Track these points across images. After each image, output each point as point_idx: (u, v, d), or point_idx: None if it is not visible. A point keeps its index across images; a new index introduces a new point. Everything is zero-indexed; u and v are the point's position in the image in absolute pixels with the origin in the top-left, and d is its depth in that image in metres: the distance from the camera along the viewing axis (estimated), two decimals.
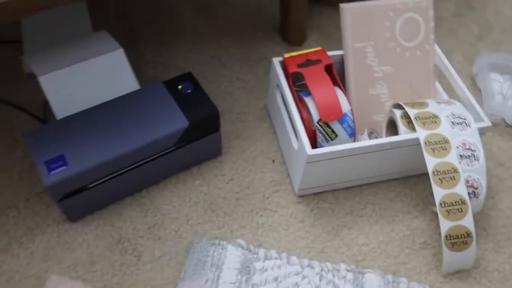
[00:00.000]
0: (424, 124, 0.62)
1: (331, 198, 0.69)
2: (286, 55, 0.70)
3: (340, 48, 0.73)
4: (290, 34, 0.89)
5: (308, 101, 0.66)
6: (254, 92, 0.82)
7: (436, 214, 0.68)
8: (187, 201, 0.68)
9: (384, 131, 0.71)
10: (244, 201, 0.68)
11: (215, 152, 0.72)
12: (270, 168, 0.72)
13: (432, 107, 0.64)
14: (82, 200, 0.61)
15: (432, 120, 0.62)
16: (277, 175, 0.71)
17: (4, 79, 0.79)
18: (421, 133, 0.61)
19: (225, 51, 0.87)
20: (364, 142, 0.62)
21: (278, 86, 0.71)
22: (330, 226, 0.66)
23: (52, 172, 0.56)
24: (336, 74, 0.69)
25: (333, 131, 0.65)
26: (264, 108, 0.80)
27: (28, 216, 0.65)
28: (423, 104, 0.65)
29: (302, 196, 0.69)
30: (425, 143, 0.60)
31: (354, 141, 0.67)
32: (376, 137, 0.70)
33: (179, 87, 0.66)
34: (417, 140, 0.61)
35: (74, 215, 0.64)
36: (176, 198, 0.68)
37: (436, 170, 0.59)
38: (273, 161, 0.73)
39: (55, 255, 0.61)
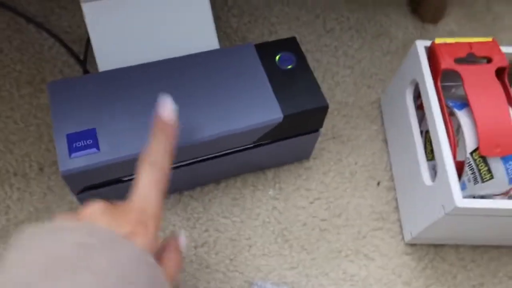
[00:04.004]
0: None
1: (454, 257, 0.48)
2: (438, 40, 0.47)
3: (491, 35, 0.49)
4: (424, 6, 0.65)
5: (462, 117, 0.44)
6: (365, 78, 0.59)
7: None
8: (253, 217, 0.48)
9: None
10: (332, 235, 0.48)
11: (302, 155, 0.51)
12: (373, 193, 0.51)
13: None
14: (111, 194, 0.43)
15: None
16: (380, 205, 0.51)
17: None
18: None
19: (334, 13, 0.64)
20: None
21: (414, 83, 0.49)
22: None
23: (74, 155, 0.38)
24: (509, 84, 0.46)
25: (489, 171, 0.43)
26: (377, 103, 0.58)
27: (38, 193, 0.47)
28: None
29: (412, 245, 0.49)
30: None
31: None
32: None
33: (277, 58, 0.45)
34: None
35: None
36: (238, 210, 0.48)
37: None
38: (378, 183, 0.52)
39: None
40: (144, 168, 0.30)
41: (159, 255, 0.30)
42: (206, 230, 0.47)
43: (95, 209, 0.27)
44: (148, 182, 0.29)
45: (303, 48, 0.60)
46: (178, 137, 0.39)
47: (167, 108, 0.34)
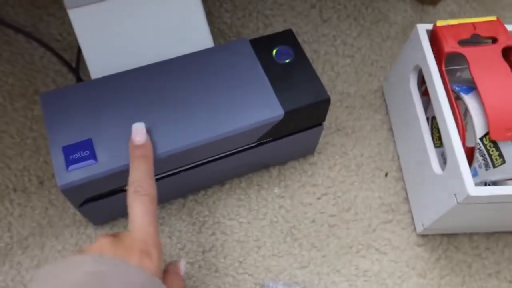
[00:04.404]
0: None
1: (467, 246, 0.47)
2: (440, 23, 0.46)
3: (492, 14, 0.48)
4: None
5: (470, 101, 0.42)
6: (366, 66, 0.58)
7: None
8: (260, 217, 0.47)
9: None
10: (341, 230, 0.47)
11: (306, 150, 0.50)
12: (381, 185, 0.50)
13: None
14: (113, 204, 0.42)
15: None
16: (389, 196, 0.49)
17: (34, 4, 0.58)
18: None
19: (331, 1, 0.62)
20: None
21: (418, 68, 0.47)
22: None
23: (72, 167, 0.36)
24: None
25: (500, 155, 0.41)
26: (380, 92, 0.56)
27: (39, 207, 0.46)
28: None
29: (424, 236, 0.47)
30: None
31: None
32: None
33: (274, 52, 0.44)
34: None
35: (101, 219, 0.45)
36: (245, 211, 0.47)
37: None
38: (386, 174, 0.51)
39: None
40: (132, 199, 0.32)
41: (162, 280, 0.31)
42: (213, 234, 0.46)
43: (103, 243, 0.29)
44: (141, 212, 0.32)
45: (300, 40, 0.59)
46: (176, 142, 0.38)
47: (138, 133, 0.36)
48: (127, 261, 0.28)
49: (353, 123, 0.53)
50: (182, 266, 0.35)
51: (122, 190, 0.41)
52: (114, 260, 0.28)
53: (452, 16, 0.63)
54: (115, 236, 0.31)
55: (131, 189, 0.33)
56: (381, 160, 0.51)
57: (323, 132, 0.52)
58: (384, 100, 0.55)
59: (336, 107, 0.54)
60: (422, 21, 0.62)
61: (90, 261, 0.27)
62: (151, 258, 0.30)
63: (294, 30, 0.59)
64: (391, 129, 0.53)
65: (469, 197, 0.38)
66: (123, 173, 0.37)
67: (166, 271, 0.33)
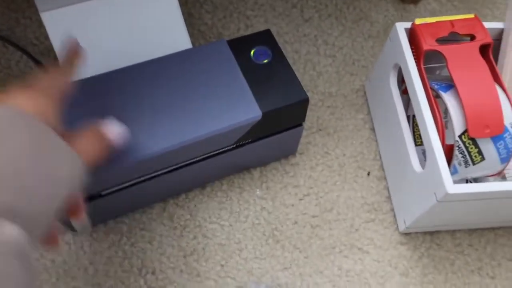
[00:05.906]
0: None
1: (450, 243, 0.47)
2: (418, 21, 0.45)
3: (474, 12, 0.48)
4: None
5: (449, 99, 0.42)
6: (347, 65, 0.58)
7: None
8: (241, 219, 0.47)
9: None
10: (324, 231, 0.47)
11: (287, 151, 0.50)
12: (363, 184, 0.50)
13: None
14: (90, 210, 0.41)
15: None
16: (372, 195, 0.49)
17: (10, 7, 0.57)
18: None
19: (312, 0, 0.62)
20: None
21: (397, 67, 0.47)
22: None
23: None
24: (494, 61, 0.45)
25: (480, 152, 0.41)
26: (361, 91, 0.56)
27: None
28: None
29: (407, 234, 0.47)
30: None
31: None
32: None
33: (252, 52, 0.43)
34: None
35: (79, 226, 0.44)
36: (226, 214, 0.47)
37: None
38: (368, 173, 0.50)
39: (49, 282, 0.42)
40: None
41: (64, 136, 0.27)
42: (194, 238, 0.45)
43: None
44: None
45: (281, 40, 0.58)
46: (153, 146, 0.38)
47: (112, 129, 0.34)
48: None
49: (335, 123, 0.53)
50: (113, 127, 0.30)
51: (101, 195, 0.40)
52: None
53: (434, 14, 0.63)
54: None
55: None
56: (364, 160, 0.51)
57: (305, 132, 0.52)
58: (366, 99, 0.55)
59: (317, 107, 0.54)
60: (403, 19, 0.62)
61: None
62: (32, 97, 0.26)
63: (275, 31, 0.59)
64: (373, 129, 0.53)
65: (448, 194, 0.38)
66: (101, 178, 0.37)
67: (87, 130, 0.29)
